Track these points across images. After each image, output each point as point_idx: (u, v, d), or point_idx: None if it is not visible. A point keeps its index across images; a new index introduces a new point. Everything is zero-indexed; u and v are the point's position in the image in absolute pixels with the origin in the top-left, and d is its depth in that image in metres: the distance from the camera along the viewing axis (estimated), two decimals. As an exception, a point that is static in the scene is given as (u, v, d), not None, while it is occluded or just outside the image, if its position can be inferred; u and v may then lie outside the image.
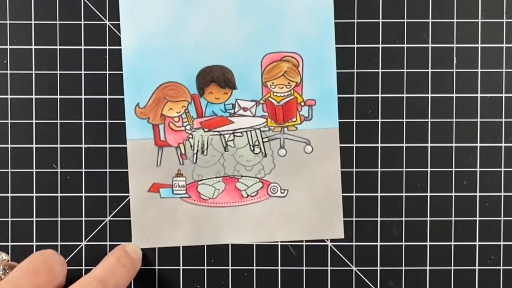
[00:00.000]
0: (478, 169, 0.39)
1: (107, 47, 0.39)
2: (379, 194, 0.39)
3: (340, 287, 0.39)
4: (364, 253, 0.39)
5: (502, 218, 0.39)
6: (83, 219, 0.39)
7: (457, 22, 0.39)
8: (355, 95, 0.39)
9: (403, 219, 0.39)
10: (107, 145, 0.39)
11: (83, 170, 0.39)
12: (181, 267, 0.39)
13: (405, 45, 0.39)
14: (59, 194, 0.39)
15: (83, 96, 0.39)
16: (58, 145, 0.39)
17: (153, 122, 0.39)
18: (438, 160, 0.39)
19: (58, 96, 0.39)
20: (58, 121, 0.39)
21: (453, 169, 0.39)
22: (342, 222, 0.39)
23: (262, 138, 0.39)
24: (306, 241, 0.39)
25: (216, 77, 0.39)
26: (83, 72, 0.39)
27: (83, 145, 0.39)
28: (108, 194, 0.39)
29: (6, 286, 0.30)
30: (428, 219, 0.39)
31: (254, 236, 0.39)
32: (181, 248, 0.39)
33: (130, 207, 0.39)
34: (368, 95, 0.39)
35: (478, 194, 0.39)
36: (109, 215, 0.39)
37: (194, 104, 0.39)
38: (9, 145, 0.39)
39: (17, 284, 0.30)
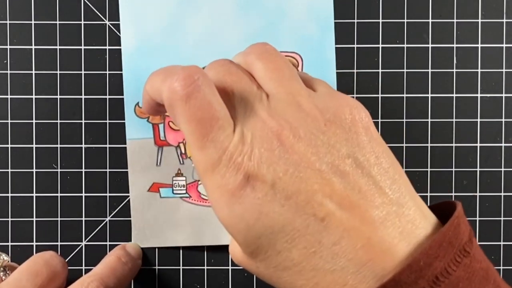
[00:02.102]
0: (478, 169, 0.39)
1: (107, 47, 0.39)
2: (379, 194, 0.39)
3: (340, 287, 0.39)
4: (364, 253, 0.39)
5: (502, 218, 0.39)
6: (83, 219, 0.39)
7: (457, 22, 0.39)
8: (355, 95, 0.39)
9: (403, 219, 0.39)
10: (107, 145, 0.39)
11: (83, 170, 0.39)
12: (181, 267, 0.39)
13: (405, 45, 0.39)
14: (59, 194, 0.39)
15: (83, 96, 0.39)
16: (58, 145, 0.39)
17: (153, 122, 0.39)
18: (438, 160, 0.39)
19: (58, 96, 0.39)
20: (58, 121, 0.39)
21: (453, 169, 0.39)
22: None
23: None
24: (306, 241, 0.39)
25: (216, 77, 0.38)
26: (83, 72, 0.39)
27: (83, 145, 0.39)
28: (108, 194, 0.39)
29: (8, 287, 0.30)
30: (428, 219, 0.39)
31: (254, 236, 0.39)
32: (181, 248, 0.39)
33: (130, 207, 0.39)
34: (368, 95, 0.39)
35: (478, 194, 0.39)
36: (109, 215, 0.39)
37: (194, 104, 0.39)
38: (9, 145, 0.39)
39: (19, 285, 0.30)
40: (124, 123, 0.39)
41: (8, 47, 0.39)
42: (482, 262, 0.23)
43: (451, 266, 0.22)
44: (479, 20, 0.39)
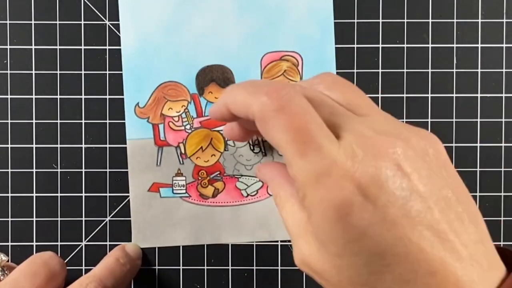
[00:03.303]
0: (478, 169, 0.39)
1: (107, 47, 0.39)
2: (379, 194, 0.39)
3: (340, 287, 0.39)
4: (364, 253, 0.39)
5: (502, 218, 0.39)
6: (83, 219, 0.39)
7: (457, 22, 0.39)
8: (355, 95, 0.39)
9: (403, 219, 0.39)
10: (107, 145, 0.39)
11: (83, 170, 0.39)
12: (181, 267, 0.39)
13: (405, 45, 0.39)
14: (59, 194, 0.39)
15: (83, 96, 0.39)
16: (58, 145, 0.39)
17: (153, 122, 0.39)
18: (438, 160, 0.39)
19: (58, 96, 0.39)
20: (58, 121, 0.39)
21: (453, 169, 0.39)
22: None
23: (262, 137, 0.39)
24: (306, 241, 0.39)
25: (215, 77, 0.39)
26: (83, 72, 0.39)
27: (83, 145, 0.39)
28: (108, 194, 0.39)
29: (6, 287, 0.30)
30: (428, 219, 0.39)
31: (254, 236, 0.39)
32: (181, 248, 0.39)
33: (130, 207, 0.39)
34: (368, 95, 0.39)
35: (478, 194, 0.39)
36: (109, 215, 0.39)
37: (193, 103, 0.39)
38: (9, 145, 0.39)
39: (17, 285, 0.30)
40: (124, 123, 0.39)
41: (8, 47, 0.39)
42: None
43: None
44: (479, 20, 0.39)
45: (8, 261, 0.33)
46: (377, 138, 0.23)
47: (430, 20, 0.39)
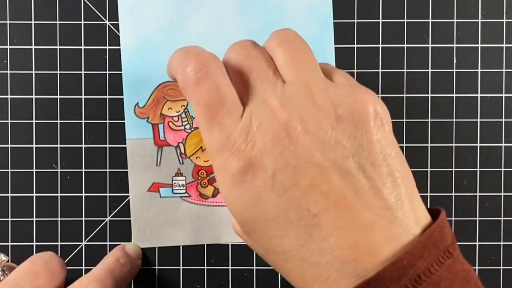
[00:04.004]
0: (478, 169, 0.39)
1: (107, 47, 0.39)
2: (379, 194, 0.39)
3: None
4: (364, 253, 0.39)
5: (502, 218, 0.39)
6: (83, 219, 0.39)
7: (457, 22, 0.39)
8: (355, 95, 0.39)
9: (403, 219, 0.39)
10: (107, 145, 0.39)
11: (83, 170, 0.39)
12: (181, 267, 0.39)
13: (405, 45, 0.39)
14: (59, 194, 0.39)
15: (83, 96, 0.39)
16: (58, 145, 0.39)
17: (153, 122, 0.39)
18: (438, 160, 0.39)
19: (58, 96, 0.39)
20: (58, 121, 0.39)
21: (453, 169, 0.39)
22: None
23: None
24: (306, 241, 0.39)
25: (215, 77, 0.39)
26: (83, 72, 0.39)
27: (83, 145, 0.39)
28: (108, 194, 0.39)
29: (6, 287, 0.30)
30: (428, 219, 0.39)
31: (254, 236, 0.39)
32: (181, 248, 0.39)
33: (130, 207, 0.39)
34: (368, 95, 0.39)
35: (478, 194, 0.39)
36: (109, 215, 0.39)
37: (194, 104, 0.39)
38: (9, 145, 0.39)
39: (17, 285, 0.30)
40: (124, 123, 0.39)
41: (8, 47, 0.39)
42: (464, 265, 0.24)
43: (434, 266, 0.23)
44: (479, 20, 0.39)
45: (8, 261, 0.33)
46: (277, 108, 0.25)
47: (430, 20, 0.39)
